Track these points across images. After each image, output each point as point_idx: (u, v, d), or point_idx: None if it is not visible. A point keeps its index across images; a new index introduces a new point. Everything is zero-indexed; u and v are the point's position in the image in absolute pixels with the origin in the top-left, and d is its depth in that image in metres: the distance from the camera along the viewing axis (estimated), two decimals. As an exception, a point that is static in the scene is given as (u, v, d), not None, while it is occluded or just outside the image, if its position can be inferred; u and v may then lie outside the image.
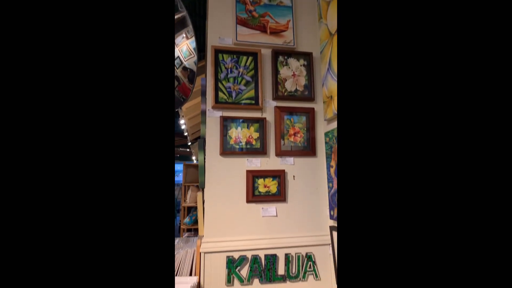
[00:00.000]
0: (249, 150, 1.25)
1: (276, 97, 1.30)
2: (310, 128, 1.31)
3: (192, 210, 3.20)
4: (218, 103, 1.25)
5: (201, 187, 1.23)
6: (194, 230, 3.18)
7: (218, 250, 1.15)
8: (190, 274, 1.15)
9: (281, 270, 1.18)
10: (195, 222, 3.22)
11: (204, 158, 1.24)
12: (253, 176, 1.23)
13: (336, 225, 1.17)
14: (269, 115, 1.30)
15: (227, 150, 1.23)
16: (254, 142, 1.26)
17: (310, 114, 1.33)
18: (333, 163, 1.18)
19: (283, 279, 1.17)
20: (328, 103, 1.25)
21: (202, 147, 1.30)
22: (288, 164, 1.28)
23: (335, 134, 1.16)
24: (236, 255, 1.15)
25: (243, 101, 1.28)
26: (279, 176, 1.25)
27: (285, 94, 1.32)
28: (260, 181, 1.24)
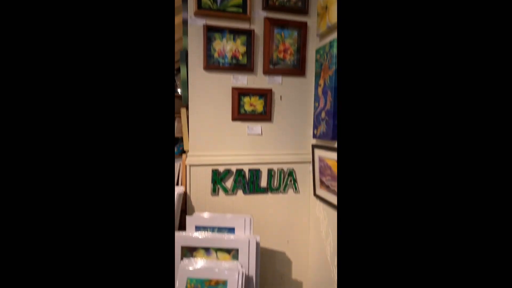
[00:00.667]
0: (235, 66, 1.18)
1: (266, 7, 1.17)
2: (301, 45, 1.23)
3: (178, 140, 3.22)
4: (201, 9, 1.11)
5: (184, 103, 1.19)
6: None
7: (203, 163, 1.18)
8: (176, 185, 1.21)
9: (263, 183, 1.26)
10: (182, 152, 3.28)
11: (187, 72, 1.16)
12: (239, 94, 1.19)
13: (318, 143, 1.21)
14: (258, 27, 1.19)
15: (211, 64, 1.15)
16: (240, 57, 1.18)
17: (302, 30, 1.22)
18: (322, 81, 1.14)
19: (265, 191, 1.26)
20: (323, 15, 1.14)
21: (184, 60, 1.21)
22: (275, 83, 1.23)
23: (327, 50, 1.10)
24: (221, 169, 1.20)
25: (230, 9, 1.14)
26: (265, 95, 1.22)
27: (277, 3, 1.18)
28: (246, 99, 1.20)
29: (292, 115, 1.27)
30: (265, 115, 1.23)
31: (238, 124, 1.22)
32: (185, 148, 1.20)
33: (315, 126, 1.20)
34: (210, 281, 0.90)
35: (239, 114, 1.20)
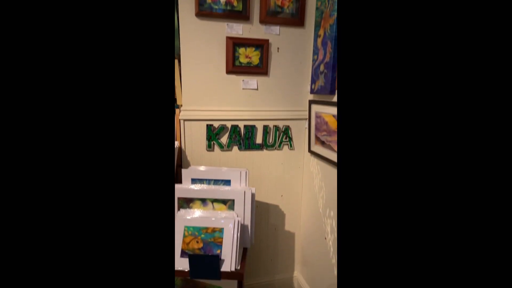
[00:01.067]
0: (230, 13, 1.09)
1: None
2: (301, -9, 1.13)
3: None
4: None
5: (176, 52, 1.12)
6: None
7: (197, 118, 1.16)
8: (171, 140, 1.19)
9: (259, 140, 1.25)
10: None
11: (178, 19, 1.08)
12: (233, 43, 1.12)
13: (315, 98, 1.18)
14: (254, -33, 1.08)
15: (203, 10, 1.06)
16: (235, 3, 1.09)
17: (303, -27, 1.12)
18: (322, 31, 1.08)
19: (260, 147, 1.26)
20: (326, -46, 1.03)
21: (174, 6, 1.12)
22: (273, 34, 1.16)
23: (329, -5, 1.01)
24: (216, 124, 1.18)
25: None
26: (262, 46, 1.15)
27: None
28: (242, 50, 1.14)
29: (290, 69, 1.22)
30: (261, 68, 1.17)
31: (233, 77, 1.17)
32: (178, 102, 1.16)
33: (313, 81, 1.16)
34: (207, 228, 0.94)
35: (234, 67, 1.14)
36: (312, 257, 1.28)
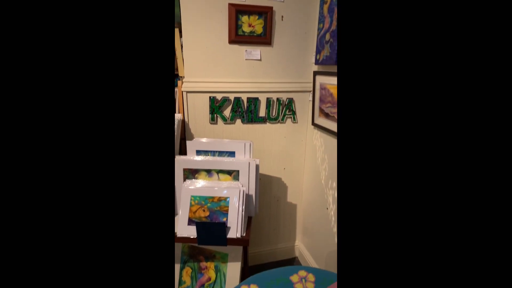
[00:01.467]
0: (232, -23, 1.03)
1: None
2: (308, -48, 1.06)
3: (170, 77, 3.07)
4: None
5: (176, 20, 1.08)
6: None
7: (200, 90, 1.14)
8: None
9: (262, 113, 1.24)
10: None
11: (177, -16, 1.02)
12: (236, 11, 1.07)
13: (320, 69, 1.16)
14: None
15: (204, -27, 1.01)
16: (238, -34, 1.03)
17: None
18: (329, -3, 1.03)
19: (263, 120, 1.26)
20: None
21: (173, -32, 1.05)
22: (277, 0, 1.11)
23: (337, -44, 0.96)
24: (218, 96, 1.17)
25: None
26: (266, 13, 1.10)
27: None
28: (244, 18, 1.10)
29: (294, 39, 1.18)
30: (265, 38, 1.14)
31: (236, 47, 1.13)
32: (180, 74, 1.14)
33: (318, 51, 1.13)
34: (213, 198, 0.96)
35: (236, 36, 1.11)
36: (313, 227, 1.32)
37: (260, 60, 1.18)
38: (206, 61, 1.12)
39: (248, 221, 1.03)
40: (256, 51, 1.16)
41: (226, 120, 1.20)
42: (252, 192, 1.04)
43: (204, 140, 1.07)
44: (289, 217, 1.45)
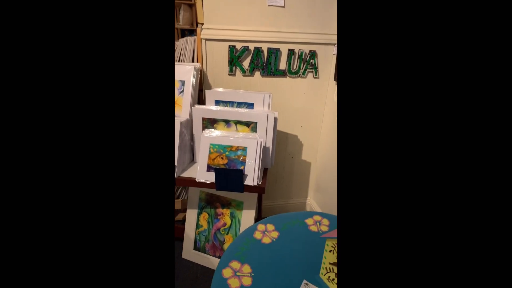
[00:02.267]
0: None
1: None
2: None
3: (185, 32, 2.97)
4: None
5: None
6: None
7: (219, 38, 1.10)
8: (192, 61, 1.16)
9: (282, 66, 1.20)
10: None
11: None
12: None
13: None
14: None
15: None
16: None
17: None
18: None
19: (283, 74, 1.21)
20: None
21: None
22: None
23: None
24: (238, 46, 1.12)
25: None
26: (293, -49, 1.00)
27: None
28: (269, -44, 1.00)
29: (322, -17, 1.08)
30: (291, -19, 1.05)
31: (259, -9, 1.05)
32: (199, 21, 1.09)
33: None
34: (231, 147, 0.98)
35: (260, -23, 1.02)
36: (326, 184, 1.35)
37: (284, 7, 1.10)
38: (227, 6, 1.06)
39: (264, 172, 1.05)
40: (280, -4, 1.07)
41: (244, 72, 1.17)
42: (269, 144, 1.05)
43: (223, 90, 1.06)
44: (302, 175, 1.48)
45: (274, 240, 0.71)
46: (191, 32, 1.24)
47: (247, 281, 0.60)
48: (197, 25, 1.10)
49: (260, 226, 0.76)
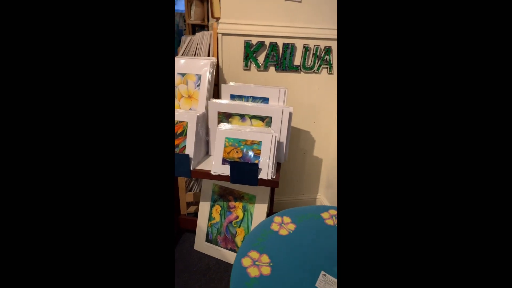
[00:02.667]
0: None
1: None
2: None
3: (195, 28, 2.99)
4: None
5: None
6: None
7: (236, 32, 1.10)
8: (208, 55, 1.17)
9: (297, 61, 1.20)
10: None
11: None
12: None
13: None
14: None
15: None
16: None
17: None
18: None
19: (297, 69, 1.21)
20: None
21: None
22: None
23: None
24: (254, 40, 1.13)
25: None
26: None
27: None
28: (288, -50, 1.00)
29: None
30: (308, -24, 1.04)
31: (276, -14, 1.05)
32: (215, 15, 1.10)
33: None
34: (246, 141, 0.99)
35: (278, -28, 1.02)
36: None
37: (300, 1, 1.10)
38: (244, 0, 1.06)
39: (277, 166, 1.06)
40: (297, -9, 1.07)
41: (259, 67, 1.18)
42: (283, 139, 1.05)
43: (238, 84, 1.07)
44: (314, 171, 1.48)
45: (291, 232, 0.72)
46: (202, 27, 1.25)
47: (266, 270, 0.61)
48: (208, 21, 1.10)
49: (277, 219, 0.77)
